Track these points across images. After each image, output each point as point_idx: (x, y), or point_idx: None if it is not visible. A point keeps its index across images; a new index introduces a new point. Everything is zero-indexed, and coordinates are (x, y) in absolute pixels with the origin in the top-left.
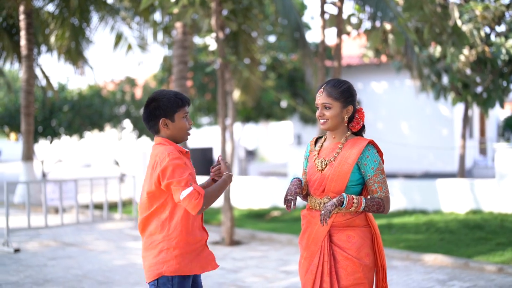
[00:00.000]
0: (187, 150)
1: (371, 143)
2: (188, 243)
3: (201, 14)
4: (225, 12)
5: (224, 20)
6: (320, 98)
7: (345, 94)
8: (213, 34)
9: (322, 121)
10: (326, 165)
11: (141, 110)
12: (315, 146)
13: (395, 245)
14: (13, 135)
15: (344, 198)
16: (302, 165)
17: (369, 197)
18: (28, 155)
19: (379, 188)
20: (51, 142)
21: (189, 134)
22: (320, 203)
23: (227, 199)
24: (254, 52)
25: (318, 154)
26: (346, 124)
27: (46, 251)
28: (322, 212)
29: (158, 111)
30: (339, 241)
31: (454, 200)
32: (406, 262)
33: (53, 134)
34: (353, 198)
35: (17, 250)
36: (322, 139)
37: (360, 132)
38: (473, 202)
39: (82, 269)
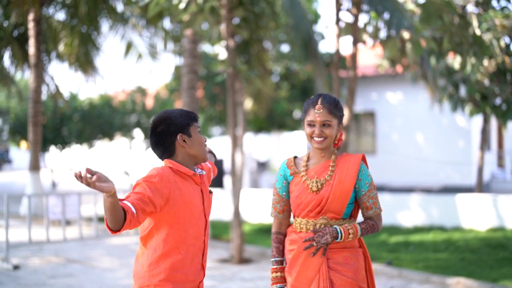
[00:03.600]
0: (199, 172)
1: (363, 159)
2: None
3: (211, 21)
4: (236, 21)
5: (234, 28)
6: (320, 115)
7: (342, 111)
8: (223, 42)
9: (319, 139)
10: (322, 185)
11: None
12: (296, 166)
13: (413, 265)
14: (24, 144)
15: (338, 231)
16: (277, 190)
17: (360, 222)
18: (35, 165)
19: (373, 204)
20: (61, 151)
21: (207, 151)
22: (315, 224)
23: (237, 215)
24: (266, 61)
25: (306, 174)
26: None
27: (47, 268)
28: (317, 244)
29: (173, 127)
30: (335, 264)
31: (474, 216)
32: (426, 285)
33: (64, 143)
34: (348, 229)
35: (16, 267)
36: (305, 158)
37: (337, 149)
38: (495, 219)
39: None
